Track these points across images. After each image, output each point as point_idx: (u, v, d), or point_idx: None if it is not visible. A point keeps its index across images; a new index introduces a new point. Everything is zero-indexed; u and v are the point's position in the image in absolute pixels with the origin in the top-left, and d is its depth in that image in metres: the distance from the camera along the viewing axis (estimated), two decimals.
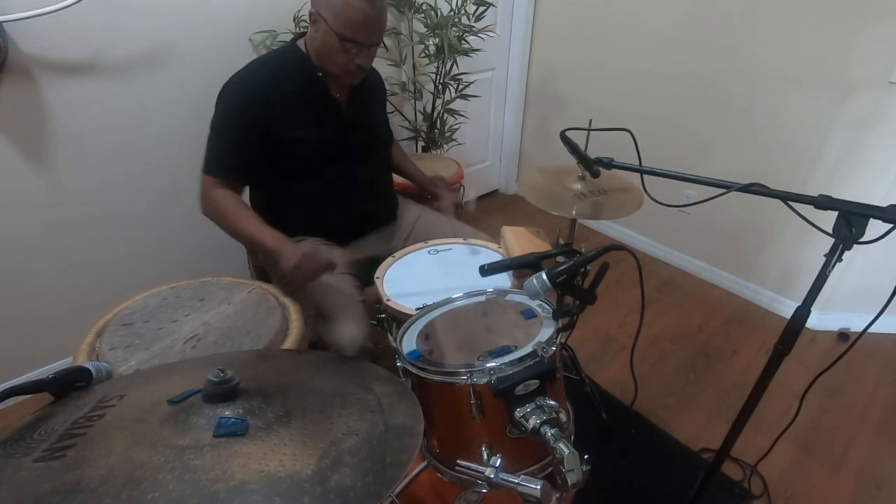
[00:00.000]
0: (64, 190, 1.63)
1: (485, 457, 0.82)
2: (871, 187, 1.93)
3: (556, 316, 0.92)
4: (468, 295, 1.05)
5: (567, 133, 1.16)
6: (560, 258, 0.95)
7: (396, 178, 1.62)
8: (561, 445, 0.74)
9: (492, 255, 1.38)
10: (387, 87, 1.62)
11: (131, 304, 1.14)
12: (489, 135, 3.14)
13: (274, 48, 1.80)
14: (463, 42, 2.14)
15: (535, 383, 0.81)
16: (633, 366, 1.39)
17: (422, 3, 2.16)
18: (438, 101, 2.37)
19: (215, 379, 0.61)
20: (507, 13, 2.79)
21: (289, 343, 1.08)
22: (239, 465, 0.53)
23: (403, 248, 1.41)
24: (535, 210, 1.40)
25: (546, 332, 0.89)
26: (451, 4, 2.14)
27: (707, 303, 2.38)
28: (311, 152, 1.30)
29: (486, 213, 3.15)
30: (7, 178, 1.51)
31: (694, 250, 2.57)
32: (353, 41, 1.19)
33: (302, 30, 1.89)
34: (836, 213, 0.84)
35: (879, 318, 0.85)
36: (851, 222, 0.82)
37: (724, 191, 0.92)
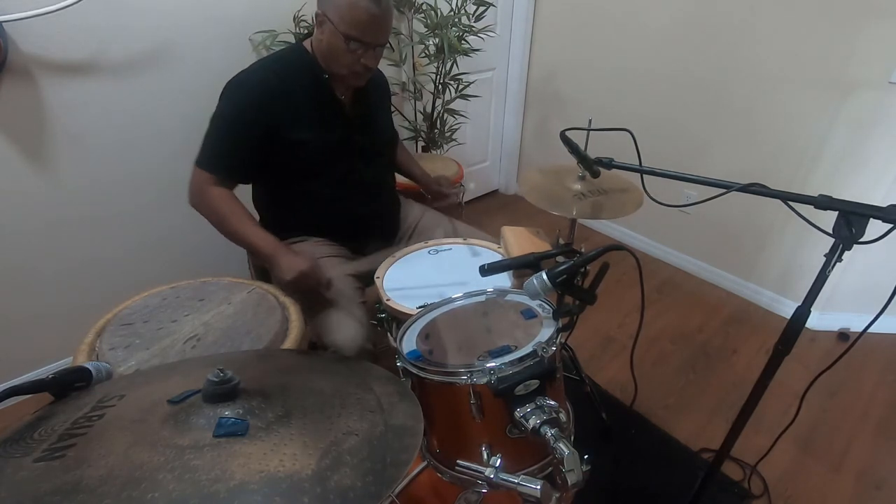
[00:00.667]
0: (64, 190, 1.63)
1: (485, 457, 0.82)
2: (871, 187, 1.93)
3: (556, 316, 0.92)
4: (468, 295, 1.05)
5: (567, 133, 1.16)
6: (560, 258, 0.95)
7: (398, 178, 1.62)
8: (561, 445, 0.74)
9: (492, 255, 1.38)
10: None
11: (131, 304, 1.14)
12: (489, 135, 3.14)
13: (275, 48, 1.81)
14: (463, 42, 2.14)
15: (535, 383, 0.81)
16: (633, 366, 1.39)
17: (422, 3, 2.16)
18: (438, 101, 2.37)
19: (215, 379, 0.61)
20: (507, 13, 2.79)
21: (289, 343, 1.08)
22: (239, 465, 0.53)
23: (404, 248, 1.41)
24: (535, 210, 1.40)
25: (546, 332, 0.89)
26: (451, 4, 2.14)
27: (707, 303, 2.38)
28: (316, 153, 1.30)
29: (486, 213, 3.16)
30: (7, 178, 1.51)
31: (694, 250, 2.57)
32: (359, 41, 1.18)
33: (302, 30, 1.89)
34: (836, 213, 0.84)
35: (879, 318, 0.85)
36: (851, 222, 0.82)
37: (724, 191, 0.92)
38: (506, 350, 0.85)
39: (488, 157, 3.24)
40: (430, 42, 2.16)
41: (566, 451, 0.73)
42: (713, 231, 2.45)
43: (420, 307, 1.05)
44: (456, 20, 2.10)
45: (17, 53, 1.42)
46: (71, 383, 0.70)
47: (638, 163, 1.04)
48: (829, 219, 0.85)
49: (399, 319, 1.14)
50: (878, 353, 2.06)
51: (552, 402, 0.81)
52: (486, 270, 1.03)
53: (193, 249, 1.97)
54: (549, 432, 0.76)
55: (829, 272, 0.85)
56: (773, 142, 2.13)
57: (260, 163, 1.27)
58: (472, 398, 0.81)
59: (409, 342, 0.93)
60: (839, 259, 0.84)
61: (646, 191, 1.18)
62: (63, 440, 0.57)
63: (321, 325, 1.22)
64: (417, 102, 2.40)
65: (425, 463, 0.93)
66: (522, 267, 0.99)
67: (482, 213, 3.15)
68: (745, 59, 2.11)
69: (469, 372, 0.81)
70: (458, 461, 0.84)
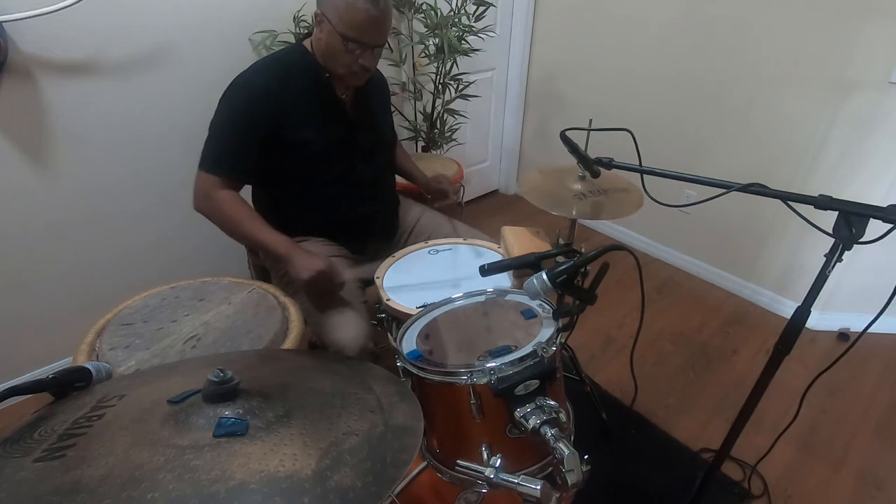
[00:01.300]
0: (64, 190, 1.63)
1: (485, 457, 0.82)
2: (870, 187, 1.93)
3: (556, 316, 0.92)
4: (468, 295, 1.05)
5: (567, 133, 1.16)
6: (560, 258, 0.95)
7: (398, 178, 1.62)
8: (561, 445, 0.74)
9: (492, 255, 1.38)
10: None
11: (131, 304, 1.14)
12: (489, 135, 3.14)
13: (275, 48, 1.81)
14: (463, 42, 2.14)
15: (535, 383, 0.81)
16: (632, 366, 1.39)
17: (422, 3, 2.16)
18: (438, 101, 2.37)
19: (215, 379, 0.61)
20: (507, 13, 2.79)
21: (289, 343, 1.08)
22: (239, 465, 0.53)
23: (403, 247, 1.41)
24: (535, 210, 1.39)
25: (546, 332, 0.89)
26: (451, 4, 2.14)
27: (707, 303, 2.38)
28: (317, 153, 1.30)
29: (486, 213, 3.16)
30: (7, 178, 1.51)
31: (694, 250, 2.57)
32: (357, 42, 1.18)
33: (302, 30, 1.89)
34: (836, 213, 0.84)
35: (879, 318, 0.85)
36: (851, 222, 0.82)
37: (724, 191, 0.92)
38: (506, 350, 0.85)
39: (488, 157, 3.23)
40: (430, 42, 2.16)
41: (566, 451, 0.73)
42: (713, 231, 2.45)
43: (420, 307, 1.05)
44: (456, 20, 2.10)
45: (18, 53, 1.42)
46: (71, 383, 0.70)
47: (638, 163, 1.04)
48: (829, 219, 0.85)
49: (399, 319, 1.14)
50: (878, 353, 2.06)
51: (552, 402, 0.81)
52: (487, 270, 1.03)
53: (193, 249, 1.97)
54: (549, 432, 0.76)
55: (829, 272, 0.85)
56: (773, 142, 2.13)
57: (263, 163, 1.27)
58: (473, 398, 0.81)
59: (409, 342, 0.93)
60: (839, 259, 0.84)
61: (646, 191, 1.18)
62: (63, 440, 0.57)
63: (324, 324, 1.22)
64: (417, 102, 2.40)
65: (425, 463, 0.93)
66: (522, 267, 0.99)
67: (482, 213, 3.15)
68: (744, 59, 2.11)
69: (469, 372, 0.81)
70: (458, 461, 0.84)
